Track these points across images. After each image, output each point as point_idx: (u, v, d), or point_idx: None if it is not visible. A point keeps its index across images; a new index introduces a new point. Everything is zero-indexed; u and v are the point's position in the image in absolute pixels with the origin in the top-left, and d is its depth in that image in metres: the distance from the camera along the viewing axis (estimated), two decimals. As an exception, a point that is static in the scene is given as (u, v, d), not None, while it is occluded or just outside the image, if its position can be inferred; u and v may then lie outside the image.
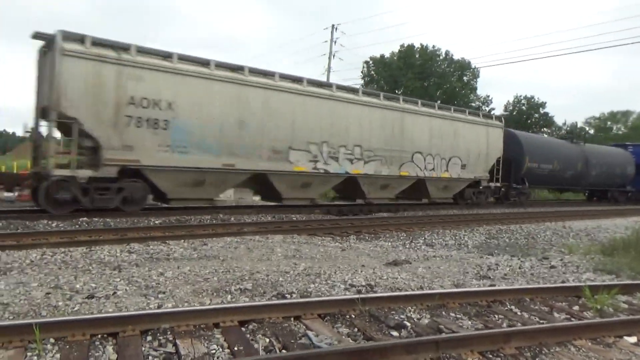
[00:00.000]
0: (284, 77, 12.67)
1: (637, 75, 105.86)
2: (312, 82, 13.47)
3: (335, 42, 35.07)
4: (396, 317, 4.04)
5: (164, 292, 4.56)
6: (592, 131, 56.83)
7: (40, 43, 10.26)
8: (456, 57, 43.12)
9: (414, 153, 15.89)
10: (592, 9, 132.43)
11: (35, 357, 2.93)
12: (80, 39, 9.69)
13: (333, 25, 35.17)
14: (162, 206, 12.14)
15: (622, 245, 8.50)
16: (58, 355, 2.97)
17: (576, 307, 4.79)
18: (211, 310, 3.70)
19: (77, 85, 9.58)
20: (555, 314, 4.54)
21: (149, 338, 3.31)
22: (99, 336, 3.26)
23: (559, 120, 56.52)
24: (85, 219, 9.46)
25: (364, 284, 5.27)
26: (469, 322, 4.11)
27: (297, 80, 12.97)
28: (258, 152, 12.14)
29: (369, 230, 10.40)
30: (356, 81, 51.84)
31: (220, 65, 11.53)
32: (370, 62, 43.13)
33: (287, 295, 4.66)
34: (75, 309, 3.95)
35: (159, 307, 4.07)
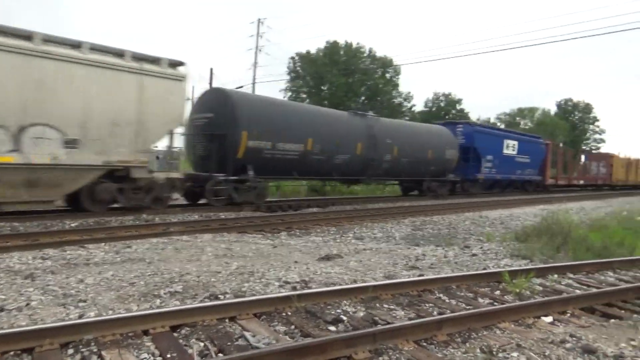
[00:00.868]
0: None
1: (547, 75, 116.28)
2: None
3: (261, 37, 34.79)
4: (332, 312, 4.06)
5: (84, 301, 4.24)
6: (502, 126, 60.93)
7: None
8: (379, 54, 44.50)
9: None
10: (511, 9, 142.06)
11: None
12: None
13: (259, 20, 34.87)
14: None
15: (534, 232, 9.21)
16: (-38, 379, 2.66)
17: (497, 292, 5.09)
18: (139, 317, 3.50)
19: None
20: (480, 300, 4.80)
21: (71, 351, 3.06)
22: (12, 353, 2.96)
23: (473, 116, 60.09)
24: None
25: (298, 280, 5.25)
26: (402, 312, 4.22)
27: None
28: None
29: (300, 226, 10.39)
30: (283, 77, 51.74)
31: None
32: (297, 58, 43.27)
33: (220, 296, 4.52)
34: (-19, 324, 3.55)
35: (81, 316, 3.77)
